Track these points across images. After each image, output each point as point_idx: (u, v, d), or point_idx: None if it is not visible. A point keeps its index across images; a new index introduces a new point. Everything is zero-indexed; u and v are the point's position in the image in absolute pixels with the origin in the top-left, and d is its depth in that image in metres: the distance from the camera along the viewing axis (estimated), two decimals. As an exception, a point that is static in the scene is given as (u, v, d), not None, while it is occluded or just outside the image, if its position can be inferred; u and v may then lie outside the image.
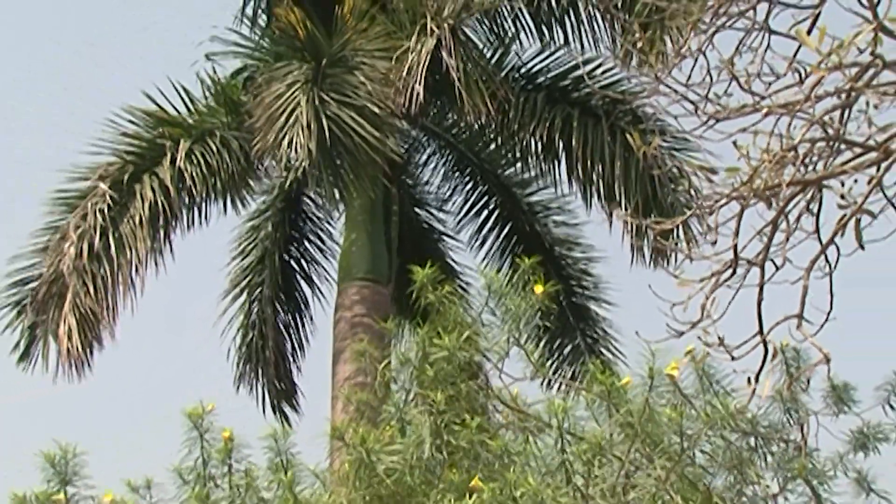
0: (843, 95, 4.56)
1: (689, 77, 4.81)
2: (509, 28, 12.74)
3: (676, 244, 9.47)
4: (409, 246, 13.17)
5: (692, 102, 4.80)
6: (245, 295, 13.90)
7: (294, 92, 11.24)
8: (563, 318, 13.43)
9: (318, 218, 14.17)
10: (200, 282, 20.51)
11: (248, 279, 13.92)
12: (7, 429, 18.98)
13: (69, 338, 11.32)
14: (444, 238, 14.46)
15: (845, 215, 4.74)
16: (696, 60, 4.82)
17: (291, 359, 13.98)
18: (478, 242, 14.16)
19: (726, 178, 4.84)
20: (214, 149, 12.20)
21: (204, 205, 12.50)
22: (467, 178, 14.12)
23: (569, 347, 13.78)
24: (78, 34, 25.97)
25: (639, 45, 5.29)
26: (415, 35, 11.58)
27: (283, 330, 13.92)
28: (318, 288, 14.08)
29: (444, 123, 13.86)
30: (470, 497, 5.88)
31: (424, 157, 14.21)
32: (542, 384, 7.46)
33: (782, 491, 6.83)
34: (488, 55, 12.64)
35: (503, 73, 12.57)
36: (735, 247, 5.00)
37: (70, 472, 7.02)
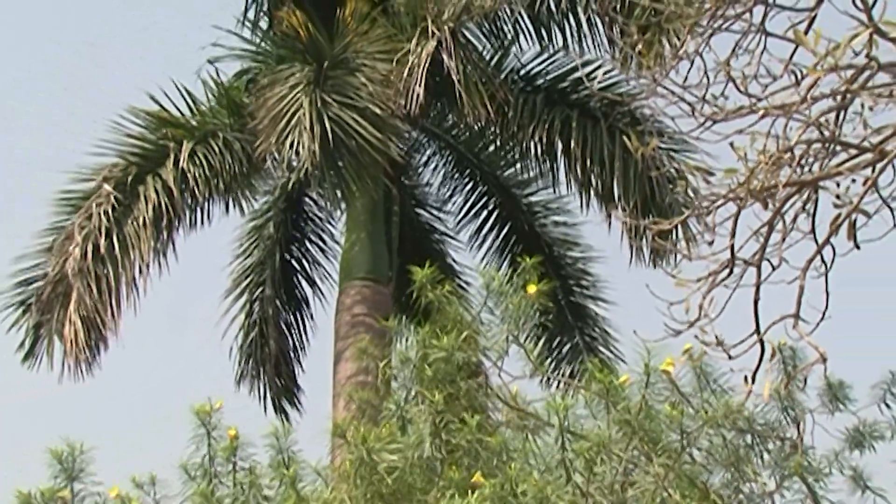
0: (839, 97, 4.56)
1: (687, 79, 4.81)
2: (509, 31, 12.75)
3: (675, 244, 9.48)
4: (409, 246, 13.19)
5: (689, 104, 4.80)
6: (247, 294, 13.91)
7: (296, 94, 11.25)
8: (561, 316, 13.44)
9: (320, 218, 14.18)
10: (202, 282, 20.49)
11: (249, 279, 13.93)
12: (8, 428, 18.96)
13: (75, 338, 11.32)
14: (445, 238, 14.48)
15: (841, 216, 4.75)
16: (692, 62, 4.82)
17: (292, 358, 13.99)
18: (477, 242, 14.18)
19: (723, 179, 4.84)
20: (217, 150, 12.20)
21: (206, 205, 12.51)
22: (467, 179, 14.13)
23: (567, 346, 13.78)
24: (78, 34, 25.86)
25: (637, 47, 5.29)
26: (415, 37, 11.59)
27: (285, 329, 13.93)
28: (319, 288, 14.11)
29: (444, 125, 13.87)
30: (472, 493, 5.87)
31: (425, 157, 14.24)
32: (540, 383, 7.45)
33: (779, 488, 6.83)
34: (488, 57, 12.65)
35: (503, 75, 12.58)
36: (732, 247, 5.01)
37: (77, 468, 7.03)
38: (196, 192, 12.03)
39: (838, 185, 4.73)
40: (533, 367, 6.94)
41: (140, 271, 11.80)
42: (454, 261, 14.30)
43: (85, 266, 11.47)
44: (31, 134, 25.22)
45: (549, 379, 8.03)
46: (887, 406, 7.07)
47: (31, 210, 22.14)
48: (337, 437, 6.94)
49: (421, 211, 14.45)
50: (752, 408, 6.79)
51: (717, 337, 5.09)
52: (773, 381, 6.72)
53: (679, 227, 8.67)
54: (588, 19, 12.36)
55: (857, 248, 4.82)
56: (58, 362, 11.67)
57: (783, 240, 4.91)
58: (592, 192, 12.37)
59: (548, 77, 12.86)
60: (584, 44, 12.51)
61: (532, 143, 12.56)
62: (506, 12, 12.42)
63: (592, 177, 12.19)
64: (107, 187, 11.86)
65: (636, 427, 6.25)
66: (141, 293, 11.87)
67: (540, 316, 6.95)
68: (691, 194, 5.82)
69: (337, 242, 13.88)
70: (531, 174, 13.58)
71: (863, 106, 4.57)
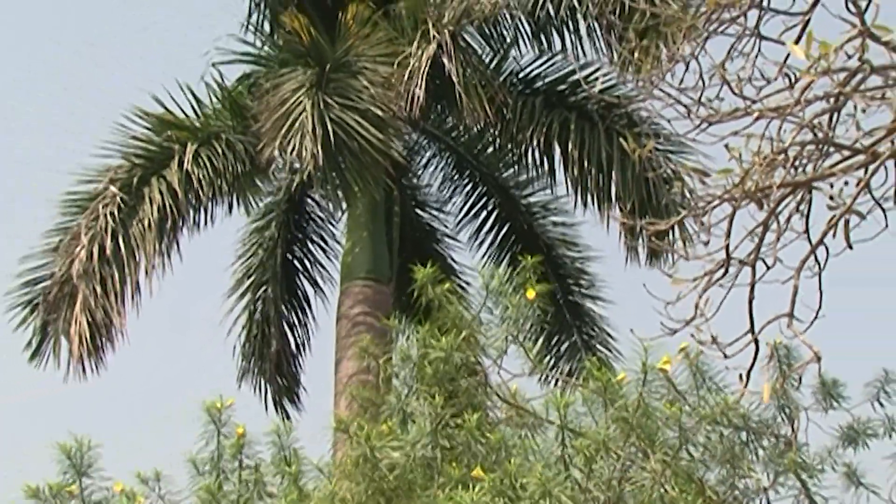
0: (832, 100, 4.57)
1: (683, 82, 4.82)
2: (508, 34, 12.76)
3: (672, 244, 9.49)
4: (410, 246, 13.19)
5: (686, 106, 4.81)
6: (249, 294, 13.91)
7: (299, 97, 11.26)
8: (560, 315, 13.45)
9: (321, 218, 14.18)
10: (205, 282, 20.45)
11: (252, 278, 13.93)
12: (10, 427, 18.90)
13: (80, 338, 11.33)
14: (445, 238, 14.48)
15: (834, 216, 4.76)
16: (688, 65, 4.84)
17: (294, 357, 13.99)
18: (477, 242, 14.19)
19: (719, 180, 4.85)
20: (220, 152, 12.21)
21: (210, 206, 12.52)
22: (467, 180, 14.14)
23: (566, 344, 13.79)
24: (78, 34, 25.68)
25: (635, 51, 5.30)
26: (416, 41, 11.60)
27: (286, 328, 13.93)
28: (321, 287, 14.10)
29: (444, 127, 13.88)
30: (472, 487, 5.88)
31: (425, 159, 14.24)
32: (539, 381, 7.46)
33: (773, 484, 6.84)
34: (487, 61, 12.66)
35: (502, 78, 12.59)
36: (727, 247, 5.02)
37: (85, 464, 7.03)
38: (200, 193, 12.04)
39: (832, 186, 4.74)
40: (532, 366, 6.94)
41: (145, 272, 11.81)
42: (454, 261, 14.31)
43: (90, 267, 11.48)
44: (31, 134, 25.08)
45: (547, 377, 8.04)
46: (880, 404, 7.08)
47: (31, 210, 22.08)
48: (339, 434, 6.94)
49: (421, 211, 14.46)
50: (747, 405, 6.80)
51: (712, 336, 5.11)
52: (770, 379, 6.72)
53: (675, 227, 8.68)
54: (586, 24, 12.36)
55: (851, 248, 4.83)
56: (64, 362, 11.69)
57: (777, 240, 4.92)
58: (590, 193, 12.38)
59: (546, 80, 12.87)
60: (583, 48, 12.52)
61: (531, 145, 12.57)
62: (505, 17, 12.43)
63: (590, 178, 12.19)
64: (112, 189, 11.87)
65: (634, 424, 6.26)
66: (145, 294, 11.89)
67: (539, 315, 6.95)
68: (687, 195, 5.83)
69: (338, 242, 13.90)
70: (530, 175, 13.59)
71: (856, 108, 4.58)
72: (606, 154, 11.97)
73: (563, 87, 12.77)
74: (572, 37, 12.51)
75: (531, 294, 6.87)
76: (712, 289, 5.04)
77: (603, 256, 13.91)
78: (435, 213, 14.48)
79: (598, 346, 13.79)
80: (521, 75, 12.92)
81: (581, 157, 12.09)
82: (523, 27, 12.63)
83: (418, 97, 11.21)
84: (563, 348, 13.78)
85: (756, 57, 4.68)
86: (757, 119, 4.67)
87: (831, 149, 4.68)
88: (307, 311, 14.09)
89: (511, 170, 13.87)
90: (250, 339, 13.82)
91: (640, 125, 11.99)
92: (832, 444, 7.06)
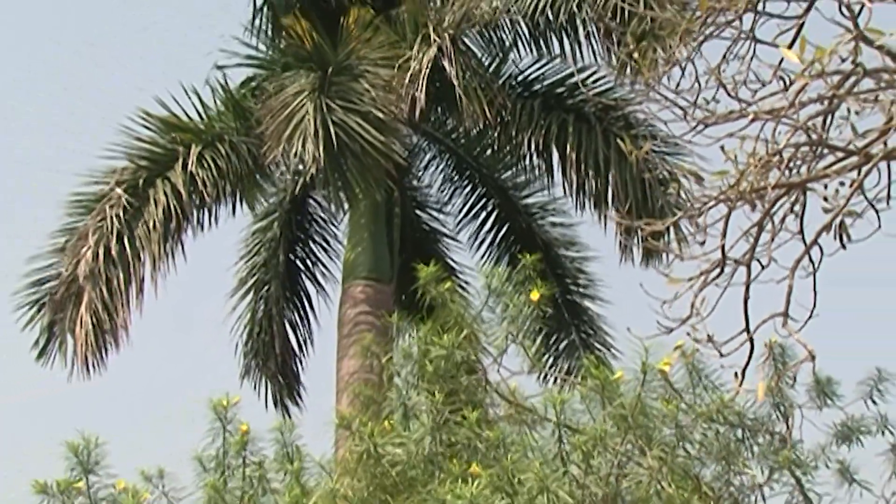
0: (826, 102, 4.58)
1: (679, 84, 4.83)
2: (507, 38, 12.76)
3: (668, 244, 9.48)
4: (410, 246, 13.20)
5: (682, 108, 4.81)
6: (252, 293, 13.92)
7: (301, 100, 11.27)
8: (558, 314, 13.45)
9: (323, 219, 14.19)
10: (208, 282, 20.37)
11: (255, 278, 13.94)
12: (12, 426, 18.82)
13: (85, 338, 11.33)
14: (444, 239, 14.49)
15: (828, 217, 4.76)
16: (684, 68, 4.84)
17: (295, 355, 13.99)
18: (477, 242, 14.19)
19: (714, 181, 4.86)
20: (224, 153, 12.21)
21: (214, 207, 12.51)
22: (466, 181, 14.15)
23: (564, 343, 13.79)
24: (78, 34, 25.46)
25: (633, 55, 5.30)
26: (417, 44, 11.60)
27: (288, 327, 13.93)
28: (323, 287, 14.11)
29: (444, 129, 13.88)
30: (471, 483, 5.88)
31: (425, 161, 14.25)
32: (538, 378, 7.46)
33: (768, 481, 6.84)
34: (487, 64, 12.67)
35: (501, 81, 12.60)
36: (723, 247, 5.02)
37: (92, 461, 7.03)
38: (204, 194, 12.04)
39: (826, 187, 4.75)
40: (531, 364, 6.94)
41: (150, 273, 11.81)
42: (454, 261, 14.30)
43: (96, 268, 11.48)
44: (31, 134, 24.84)
45: (546, 375, 8.04)
46: (873, 402, 7.08)
47: (31, 210, 21.91)
48: (341, 431, 6.94)
49: (421, 212, 14.46)
50: (742, 403, 6.80)
51: (708, 334, 5.11)
52: (765, 378, 6.72)
53: (671, 228, 8.68)
54: (585, 28, 12.36)
55: (844, 248, 4.84)
56: (70, 361, 11.68)
57: (772, 240, 4.92)
58: (587, 194, 12.38)
59: (544, 83, 12.88)
60: (581, 52, 12.52)
61: (529, 147, 12.57)
62: (504, 21, 12.43)
63: (587, 179, 12.19)
64: (119, 190, 11.87)
65: (631, 421, 6.26)
66: (150, 294, 11.89)
67: (538, 314, 6.95)
68: (684, 196, 5.84)
69: (340, 242, 13.90)
70: (528, 176, 13.60)
71: (849, 110, 4.59)
72: (604, 156, 11.97)
73: (561, 89, 12.77)
74: (570, 41, 12.51)
75: (535, 295, 6.88)
76: (708, 288, 5.04)
77: (600, 256, 13.93)
78: (435, 213, 14.50)
79: (596, 345, 13.79)
80: (519, 78, 12.93)
81: (579, 158, 12.09)
82: (522, 31, 12.63)
83: (419, 100, 11.21)
84: (561, 347, 13.78)
85: (751, 60, 4.68)
86: (752, 121, 4.68)
87: (825, 150, 4.69)
88: (309, 310, 14.09)
89: (510, 171, 13.87)
90: (252, 337, 13.82)
91: (636, 127, 12.00)
92: (826, 441, 7.07)
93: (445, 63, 11.38)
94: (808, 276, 4.94)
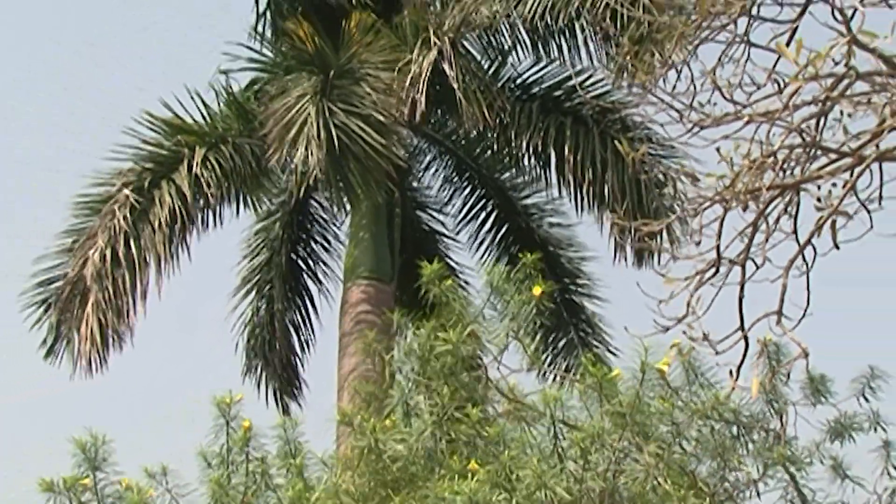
0: (820, 105, 4.58)
1: (675, 87, 4.83)
2: (506, 42, 12.76)
3: (663, 245, 9.49)
4: (410, 246, 13.19)
5: (678, 111, 4.81)
6: (254, 292, 13.93)
7: (304, 103, 11.27)
8: (557, 313, 13.44)
9: (324, 220, 14.20)
10: (212, 281, 20.32)
11: (257, 277, 13.95)
12: (15, 426, 18.76)
13: (91, 338, 11.33)
14: (444, 239, 14.49)
15: (822, 217, 4.76)
16: (680, 71, 4.84)
17: (297, 353, 14.00)
18: (476, 243, 14.19)
19: (707, 177, 4.86)
20: (228, 155, 12.22)
21: (218, 208, 12.52)
22: (466, 183, 14.15)
23: (563, 341, 13.80)
24: (78, 34, 25.25)
25: (629, 58, 5.31)
26: (417, 48, 11.60)
27: (290, 326, 13.94)
28: (324, 286, 14.12)
29: (444, 131, 13.89)
30: (470, 479, 5.88)
31: (426, 162, 14.26)
32: (537, 376, 7.46)
33: (762, 477, 6.84)
34: (486, 67, 12.66)
35: (500, 84, 12.60)
36: (718, 247, 5.03)
37: (99, 458, 7.03)
38: (208, 195, 12.04)
39: (819, 188, 4.75)
40: (530, 361, 6.94)
41: (155, 273, 11.81)
42: (454, 261, 14.31)
43: (103, 269, 11.48)
44: (31, 134, 24.64)
45: (545, 372, 8.03)
46: (866, 399, 7.08)
47: (31, 210, 21.83)
48: (342, 428, 6.94)
49: (422, 213, 14.47)
50: (737, 400, 6.80)
51: (704, 333, 5.11)
52: (759, 375, 6.73)
53: (666, 228, 8.68)
54: (583, 33, 12.36)
55: (837, 248, 4.84)
56: (76, 360, 11.67)
57: (767, 240, 4.93)
58: (584, 195, 12.39)
59: (543, 86, 12.88)
60: (579, 55, 12.53)
61: (527, 149, 12.57)
62: (504, 25, 12.43)
63: (584, 180, 12.19)
64: (126, 191, 11.87)
65: (628, 419, 6.26)
66: (155, 294, 11.89)
67: (537, 312, 6.95)
68: (680, 197, 5.83)
69: (341, 242, 13.91)
70: (527, 178, 13.61)
71: (842, 113, 4.59)
72: (601, 158, 11.97)
73: (559, 92, 12.78)
74: (569, 44, 12.52)
75: (537, 290, 6.88)
76: (703, 287, 5.05)
77: (598, 256, 13.93)
78: (435, 214, 14.50)
79: (594, 343, 13.79)
80: (518, 81, 12.93)
81: (576, 160, 12.09)
82: (521, 35, 12.64)
83: (419, 102, 11.22)
84: (560, 345, 13.79)
85: (746, 63, 4.68)
86: (747, 123, 4.68)
87: (819, 152, 4.69)
88: (310, 309, 14.10)
89: (509, 172, 13.88)
90: (254, 336, 13.83)
91: (633, 130, 12.01)
92: (820, 437, 7.07)
93: (445, 66, 11.38)
94: (801, 276, 4.95)
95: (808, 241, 4.88)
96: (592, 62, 12.52)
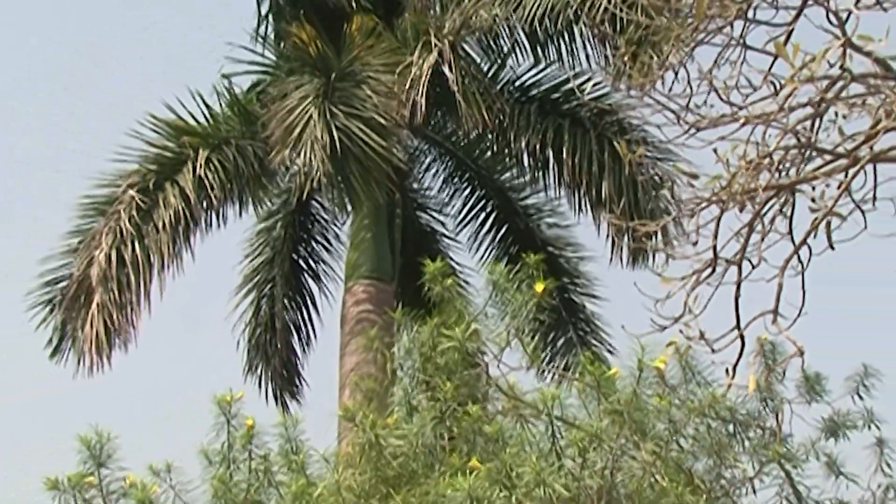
0: (815, 106, 4.57)
1: (672, 89, 4.82)
2: (505, 45, 12.75)
3: (658, 245, 9.48)
4: (411, 247, 13.18)
5: (675, 112, 4.81)
6: (256, 292, 13.92)
7: (306, 105, 11.27)
8: (556, 312, 13.43)
9: (325, 220, 14.20)
10: (215, 282, 20.24)
11: (259, 276, 13.94)
12: (11, 426, 18.67)
13: (95, 338, 11.32)
14: (445, 239, 14.49)
15: (816, 218, 4.76)
16: (677, 73, 4.84)
17: (297, 352, 13.99)
18: (476, 243, 14.19)
19: (707, 184, 4.86)
20: (231, 157, 12.22)
21: (221, 209, 12.51)
22: (466, 183, 14.15)
23: (562, 340, 13.79)
24: (78, 34, 25.03)
25: (627, 60, 5.30)
26: (418, 51, 11.60)
27: (291, 325, 13.93)
28: (325, 285, 14.11)
29: (444, 132, 13.88)
30: (470, 475, 5.87)
31: (426, 163, 14.25)
32: (537, 374, 7.45)
33: (758, 474, 6.84)
34: (485, 69, 12.66)
35: (499, 87, 12.60)
36: (714, 247, 5.03)
37: (104, 455, 7.02)
38: (212, 197, 12.04)
39: (814, 188, 4.75)
40: (530, 360, 6.94)
41: (158, 274, 11.81)
42: (454, 260, 14.29)
43: (108, 269, 11.48)
44: (31, 134, 24.40)
45: (544, 371, 8.04)
46: (860, 397, 7.08)
47: (31, 210, 21.71)
48: (344, 426, 6.93)
49: (422, 213, 14.46)
50: (734, 398, 6.80)
51: (700, 331, 5.11)
52: (755, 373, 6.72)
53: (663, 229, 8.68)
54: (581, 35, 12.35)
55: (832, 248, 4.84)
56: (81, 360, 11.67)
57: (762, 240, 4.93)
58: (582, 196, 12.39)
59: (541, 88, 12.88)
60: (577, 57, 12.52)
61: (526, 150, 12.57)
62: (503, 28, 12.42)
63: (582, 182, 12.19)
64: (131, 193, 11.87)
65: (626, 417, 6.25)
66: (158, 295, 11.89)
67: (537, 311, 6.95)
68: (676, 197, 5.84)
69: (342, 243, 13.91)
70: (525, 178, 13.60)
71: (837, 114, 4.59)
72: (598, 159, 11.97)
73: (557, 95, 12.78)
74: (567, 47, 12.51)
75: (539, 287, 6.88)
76: (700, 287, 5.05)
77: (596, 256, 13.92)
78: (435, 214, 14.50)
79: (593, 342, 13.79)
80: (517, 84, 12.93)
81: (573, 162, 12.09)
82: (520, 38, 12.63)
83: (420, 105, 11.21)
84: (559, 344, 13.79)
85: (742, 65, 4.68)
86: (743, 124, 4.68)
87: (814, 153, 4.69)
88: (311, 308, 14.09)
89: (508, 173, 13.88)
90: (255, 335, 13.82)
91: (630, 132, 12.02)
92: (814, 435, 7.07)
93: (445, 69, 11.38)
94: (796, 276, 4.94)
95: (804, 242, 4.88)
96: (590, 65, 12.52)
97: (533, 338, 6.98)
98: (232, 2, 12.23)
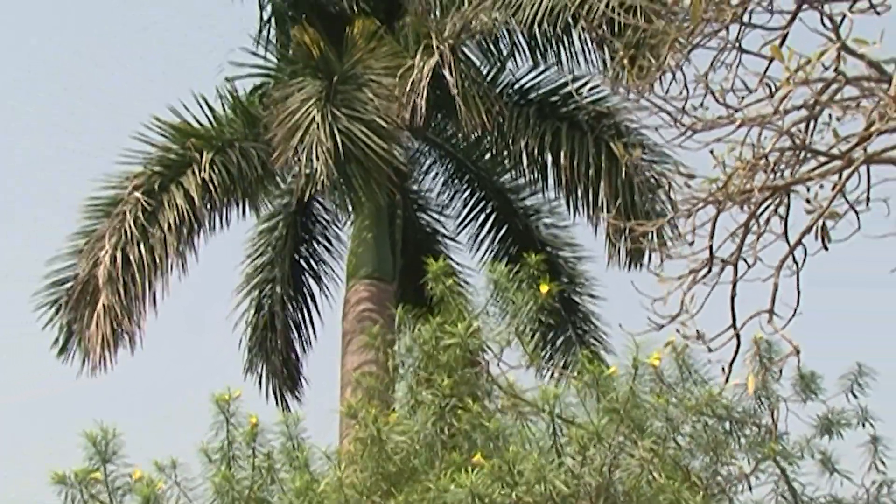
0: (810, 109, 4.57)
1: (668, 91, 4.83)
2: (505, 48, 12.76)
3: (653, 245, 9.48)
4: (412, 247, 13.19)
5: (671, 115, 4.81)
6: (257, 291, 13.92)
7: (308, 108, 11.27)
8: (555, 311, 13.42)
9: (327, 220, 14.21)
10: (218, 282, 20.16)
11: (260, 276, 13.95)
12: (11, 426, 18.61)
13: (101, 339, 11.32)
14: (445, 240, 14.49)
15: (812, 218, 4.76)
16: (674, 76, 4.84)
17: (298, 352, 13.99)
18: (476, 243, 14.19)
19: (702, 184, 4.86)
20: (234, 159, 12.22)
21: (224, 210, 12.51)
22: (465, 185, 14.15)
23: (561, 339, 13.80)
24: (78, 34, 24.81)
25: (625, 63, 5.31)
26: (418, 54, 11.60)
27: (292, 325, 13.94)
28: (326, 285, 14.12)
29: (444, 135, 13.89)
30: (470, 472, 5.87)
31: (426, 165, 14.25)
32: (536, 373, 7.45)
33: (754, 471, 6.85)
34: (485, 73, 12.67)
35: (498, 90, 12.61)
36: (711, 247, 5.02)
37: (109, 451, 7.02)
38: (215, 198, 12.05)
39: (809, 189, 4.75)
40: (529, 358, 6.94)
41: (163, 275, 11.80)
42: (454, 261, 14.29)
43: (114, 271, 11.48)
44: (31, 134, 24.17)
45: (543, 369, 8.03)
46: (854, 396, 7.09)
47: (30, 210, 21.62)
48: (346, 423, 6.94)
49: (423, 214, 14.47)
50: (730, 397, 6.80)
51: (697, 331, 5.11)
52: (752, 372, 6.73)
53: (660, 229, 8.68)
54: (580, 38, 12.35)
55: (826, 248, 4.84)
56: (84, 360, 11.67)
57: (758, 240, 4.93)
58: (579, 197, 12.39)
59: (540, 91, 12.88)
60: (576, 61, 12.52)
61: (525, 152, 12.57)
62: (503, 31, 12.43)
63: (579, 184, 12.20)
64: (136, 194, 11.87)
65: (624, 414, 6.25)
66: (163, 296, 11.89)
67: (537, 310, 6.95)
68: (673, 197, 5.84)
69: (343, 243, 13.92)
70: (524, 180, 13.60)
71: (831, 117, 4.59)
72: (595, 161, 11.98)
73: (555, 98, 12.78)
74: (565, 51, 12.51)
75: (544, 288, 6.90)
76: (697, 286, 5.04)
77: (594, 256, 13.93)
78: (436, 215, 14.50)
79: (591, 341, 13.79)
80: (516, 87, 12.93)
81: (571, 164, 12.09)
82: (519, 41, 12.64)
83: (420, 107, 11.22)
84: (558, 342, 13.80)
85: (737, 68, 4.68)
86: (739, 126, 4.68)
87: (809, 155, 4.69)
88: (312, 308, 14.10)
89: (507, 175, 13.89)
90: (256, 334, 13.82)
91: (627, 135, 12.02)
92: (809, 433, 7.08)
93: (446, 72, 11.38)
94: (792, 276, 4.95)
95: (799, 242, 4.88)
96: (588, 68, 12.53)
97: (532, 337, 6.99)
98: (232, 2, 12.19)
